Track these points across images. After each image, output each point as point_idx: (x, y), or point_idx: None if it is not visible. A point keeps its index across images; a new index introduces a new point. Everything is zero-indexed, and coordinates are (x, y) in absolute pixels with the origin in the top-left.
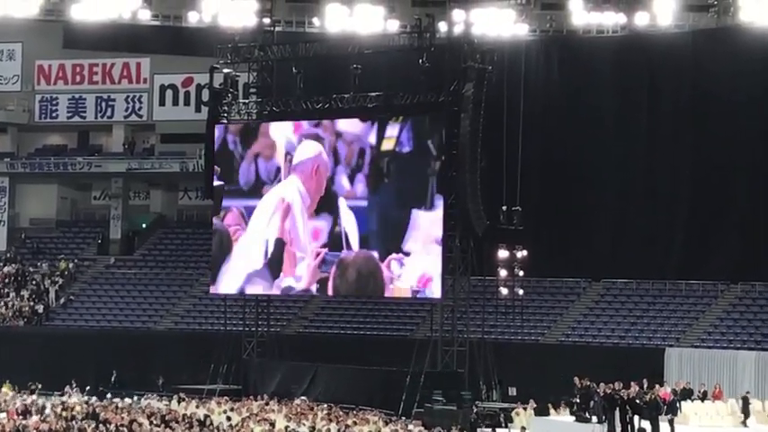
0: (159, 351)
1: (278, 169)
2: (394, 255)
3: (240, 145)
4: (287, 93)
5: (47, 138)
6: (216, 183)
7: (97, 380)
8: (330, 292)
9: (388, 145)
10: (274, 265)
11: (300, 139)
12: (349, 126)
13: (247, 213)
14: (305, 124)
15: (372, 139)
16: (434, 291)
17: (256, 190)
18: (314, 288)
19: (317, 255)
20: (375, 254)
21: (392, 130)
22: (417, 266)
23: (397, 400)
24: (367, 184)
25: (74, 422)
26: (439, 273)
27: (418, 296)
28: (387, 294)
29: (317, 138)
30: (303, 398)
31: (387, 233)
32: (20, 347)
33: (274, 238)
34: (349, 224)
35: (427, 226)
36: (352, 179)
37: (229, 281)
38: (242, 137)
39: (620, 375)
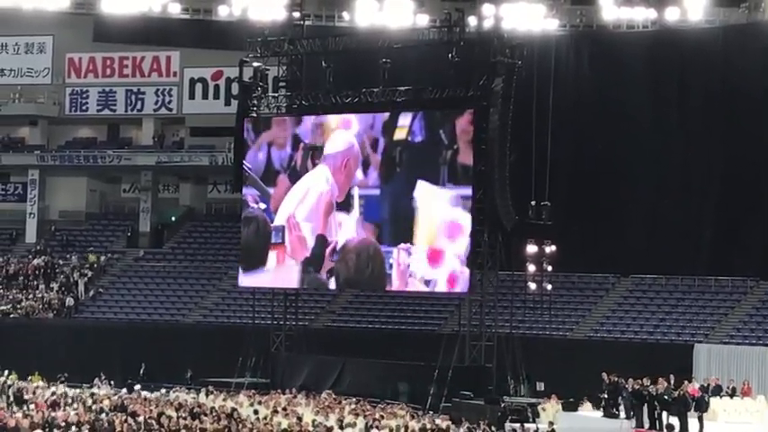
0: (188, 344)
1: (291, 157)
2: (402, 245)
3: (252, 132)
4: (316, 87)
5: (77, 131)
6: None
7: (126, 372)
8: (333, 280)
9: (400, 134)
10: (315, 260)
11: (317, 128)
12: (363, 116)
13: (262, 201)
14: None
15: (385, 128)
16: (459, 285)
17: (269, 178)
18: (324, 275)
19: (329, 244)
20: (381, 242)
21: (404, 120)
22: (430, 257)
23: (425, 394)
24: (379, 174)
25: (102, 414)
26: (459, 265)
27: (433, 289)
28: (397, 283)
29: (330, 128)
30: (328, 391)
31: (399, 222)
32: (49, 340)
33: (316, 234)
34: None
35: (444, 217)
36: (365, 168)
37: (264, 272)
38: (254, 125)
39: (648, 371)
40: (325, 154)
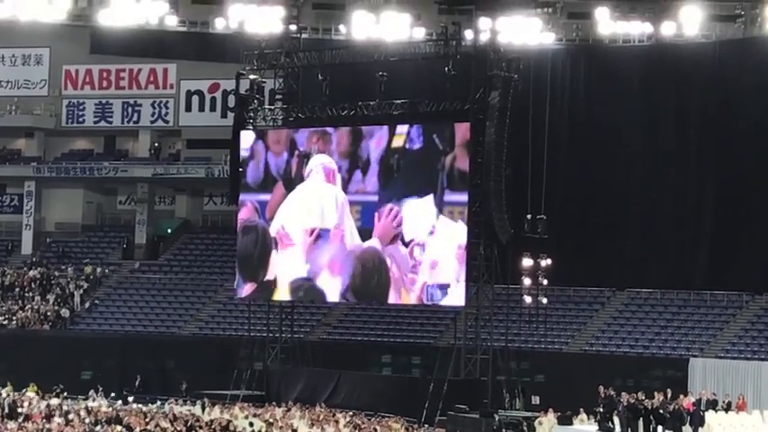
0: (183, 356)
1: (288, 163)
2: (399, 253)
3: (248, 145)
4: (312, 99)
5: (73, 142)
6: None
7: (121, 384)
8: (338, 292)
9: (398, 142)
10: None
11: (312, 136)
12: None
13: (261, 208)
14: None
15: (383, 136)
16: (457, 298)
17: (267, 185)
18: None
19: (312, 232)
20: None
21: (402, 128)
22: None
23: (420, 407)
24: (378, 180)
25: (97, 426)
26: (455, 275)
27: (432, 300)
28: (394, 296)
29: (325, 134)
30: (323, 404)
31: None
32: (45, 351)
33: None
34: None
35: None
36: (363, 174)
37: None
38: (250, 137)
39: (643, 385)
40: (311, 166)
